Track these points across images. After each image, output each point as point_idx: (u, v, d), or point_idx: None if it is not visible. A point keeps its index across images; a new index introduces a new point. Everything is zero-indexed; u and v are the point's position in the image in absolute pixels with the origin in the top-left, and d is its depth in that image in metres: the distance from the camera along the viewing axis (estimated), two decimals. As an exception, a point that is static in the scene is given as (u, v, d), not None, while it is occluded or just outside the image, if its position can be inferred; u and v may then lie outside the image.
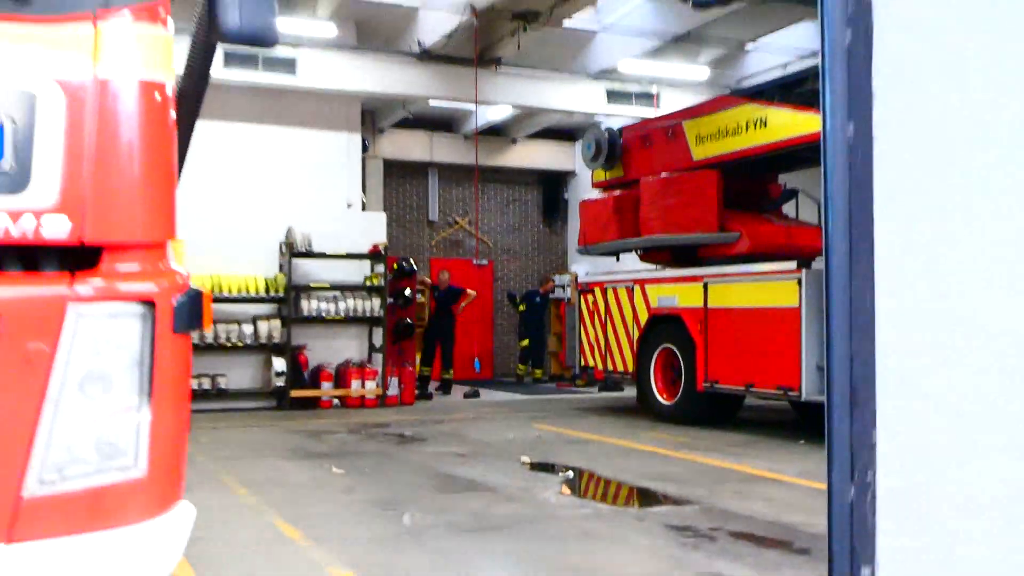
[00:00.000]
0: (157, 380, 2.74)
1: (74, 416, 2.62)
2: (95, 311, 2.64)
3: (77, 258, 2.68)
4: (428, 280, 15.44)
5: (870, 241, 1.30)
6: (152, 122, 2.79)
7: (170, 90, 2.87)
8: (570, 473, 7.64)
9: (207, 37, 3.22)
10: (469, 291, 15.22)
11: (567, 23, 12.73)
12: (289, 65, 12.43)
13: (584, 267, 15.66)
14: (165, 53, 2.84)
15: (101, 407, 2.66)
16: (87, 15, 2.64)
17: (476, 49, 12.63)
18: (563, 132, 18.45)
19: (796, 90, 10.13)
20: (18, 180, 2.53)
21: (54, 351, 2.58)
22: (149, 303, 2.72)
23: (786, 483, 7.24)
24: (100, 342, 2.66)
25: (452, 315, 15.02)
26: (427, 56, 13.13)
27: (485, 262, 18.65)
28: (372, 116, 16.33)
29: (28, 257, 2.67)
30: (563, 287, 17.74)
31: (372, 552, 5.09)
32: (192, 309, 2.86)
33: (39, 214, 2.56)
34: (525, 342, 16.81)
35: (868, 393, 1.30)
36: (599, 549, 5.20)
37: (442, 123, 17.71)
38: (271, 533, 5.52)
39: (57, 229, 2.58)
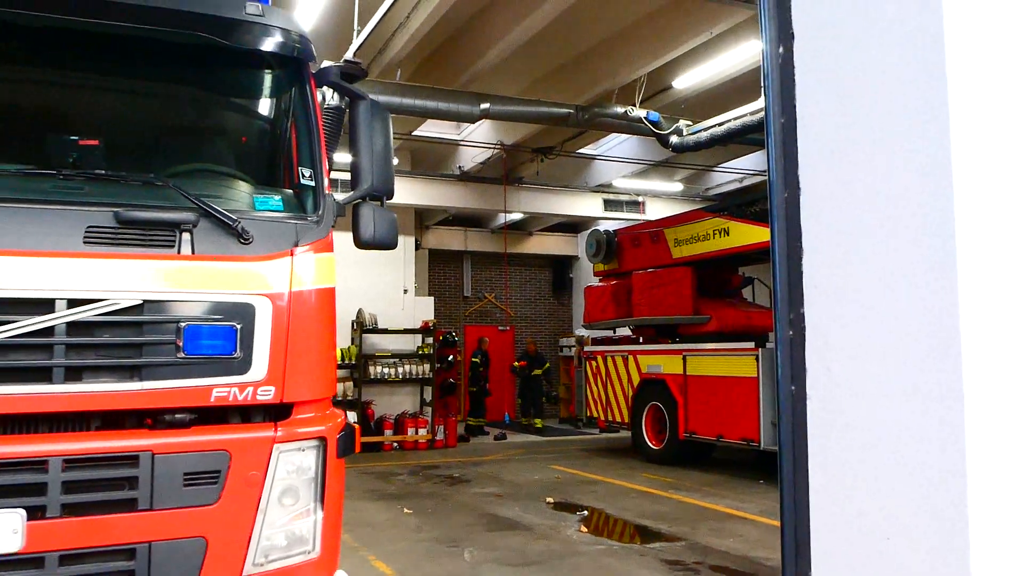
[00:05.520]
0: (326, 490, 3.23)
1: (275, 519, 3.09)
2: (290, 447, 3.14)
3: (276, 411, 3.23)
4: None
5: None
6: (322, 315, 3.29)
7: (335, 292, 3.43)
8: (585, 512, 8.04)
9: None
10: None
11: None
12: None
13: (584, 332, 15.97)
14: (331, 268, 3.37)
15: (292, 511, 3.15)
16: (287, 252, 3.17)
17: (504, 172, 13.32)
18: (568, 226, 19.07)
19: (750, 209, 10.70)
20: (244, 365, 3.04)
21: (264, 475, 3.04)
22: (322, 439, 3.23)
23: (752, 521, 7.59)
24: (292, 468, 3.14)
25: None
26: (465, 177, 13.81)
27: (507, 328, 19.17)
28: (420, 217, 16.98)
29: (244, 411, 3.22)
30: (570, 347, 18.13)
31: (445, 585, 5.47)
32: (348, 441, 3.34)
33: (256, 385, 3.06)
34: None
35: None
36: (614, 582, 5.57)
37: (474, 220, 18.36)
38: (368, 570, 5.90)
39: (266, 395, 3.08)
